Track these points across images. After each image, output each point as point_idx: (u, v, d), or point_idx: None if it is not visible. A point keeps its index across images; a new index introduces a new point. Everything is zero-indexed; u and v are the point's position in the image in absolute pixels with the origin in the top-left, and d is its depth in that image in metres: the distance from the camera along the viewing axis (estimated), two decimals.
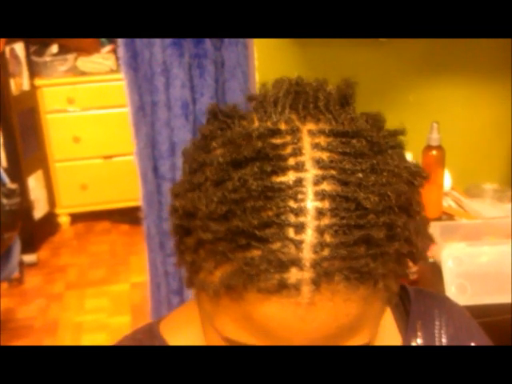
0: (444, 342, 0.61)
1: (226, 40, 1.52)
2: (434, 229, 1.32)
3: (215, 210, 0.42)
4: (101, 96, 3.27)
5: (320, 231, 0.40)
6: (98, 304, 2.76)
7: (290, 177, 0.42)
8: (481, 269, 1.22)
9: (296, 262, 0.40)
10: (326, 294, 0.41)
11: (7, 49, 2.99)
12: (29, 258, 3.06)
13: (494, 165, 1.67)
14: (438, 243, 1.28)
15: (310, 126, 0.45)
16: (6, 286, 2.83)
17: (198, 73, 1.50)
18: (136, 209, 1.76)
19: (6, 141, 3.01)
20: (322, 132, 0.44)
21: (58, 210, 3.48)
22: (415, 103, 1.58)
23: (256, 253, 0.41)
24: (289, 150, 0.43)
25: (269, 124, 0.45)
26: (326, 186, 0.42)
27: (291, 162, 0.42)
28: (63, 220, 3.51)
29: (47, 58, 3.27)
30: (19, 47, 3.08)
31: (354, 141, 0.44)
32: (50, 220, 3.41)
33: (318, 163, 0.42)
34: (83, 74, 3.30)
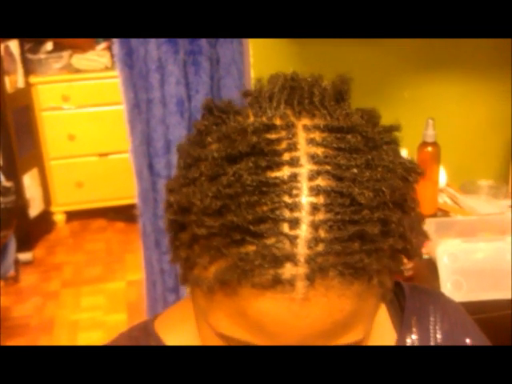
0: (439, 337, 0.61)
1: None
2: (430, 225, 1.32)
3: (210, 205, 0.42)
4: (96, 93, 3.26)
5: (314, 226, 0.40)
6: (93, 302, 2.76)
7: (284, 172, 0.42)
8: (476, 265, 1.22)
9: (290, 258, 0.40)
10: (320, 289, 0.41)
11: (2, 46, 2.98)
12: (24, 256, 3.05)
13: (489, 161, 1.68)
14: (434, 240, 1.28)
15: (305, 121, 0.45)
16: (1, 284, 2.83)
17: (193, 70, 1.50)
18: (132, 206, 1.76)
19: (1, 139, 3.00)
20: (316, 127, 0.44)
21: (53, 208, 3.47)
22: (410, 100, 1.59)
23: (250, 248, 0.41)
24: (284, 145, 0.43)
25: (264, 119, 0.45)
26: (320, 182, 0.42)
27: (286, 157, 0.42)
28: (59, 218, 3.50)
29: (42, 56, 3.26)
30: (14, 45, 3.07)
31: (349, 136, 0.44)
32: (45, 218, 3.40)
33: (313, 158, 0.42)
34: (78, 71, 3.30)
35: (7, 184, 2.84)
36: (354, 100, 0.49)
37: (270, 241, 0.40)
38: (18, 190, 3.06)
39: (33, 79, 3.22)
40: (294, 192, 0.41)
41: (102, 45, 3.34)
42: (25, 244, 3.07)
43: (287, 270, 0.40)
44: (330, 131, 0.44)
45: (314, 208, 0.41)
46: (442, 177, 1.54)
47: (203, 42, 1.49)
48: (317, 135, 0.44)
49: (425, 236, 0.48)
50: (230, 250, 0.41)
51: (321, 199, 0.41)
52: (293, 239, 0.40)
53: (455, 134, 1.61)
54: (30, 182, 3.23)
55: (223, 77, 1.55)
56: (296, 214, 0.41)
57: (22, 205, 3.09)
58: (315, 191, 0.41)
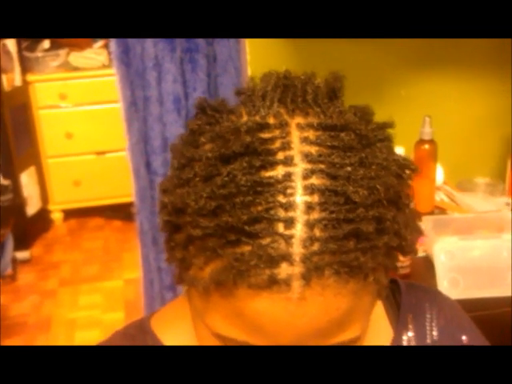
0: (435, 334, 0.61)
1: None
2: (427, 223, 1.32)
3: (204, 206, 0.42)
4: (93, 91, 3.25)
5: (309, 226, 0.40)
6: (91, 300, 2.76)
7: (278, 171, 0.42)
8: (473, 263, 1.22)
9: (286, 257, 0.40)
10: (316, 288, 0.41)
11: None
12: (22, 254, 3.05)
13: (486, 159, 1.68)
14: (431, 237, 1.28)
15: (299, 119, 0.45)
16: None
17: (190, 67, 1.49)
18: (129, 205, 1.75)
19: None
20: (310, 126, 0.44)
21: (50, 207, 3.47)
22: (407, 97, 1.59)
23: (246, 248, 0.41)
24: (277, 144, 0.43)
25: (257, 118, 0.45)
26: (315, 180, 0.42)
27: (280, 156, 0.42)
28: (56, 216, 3.50)
29: (39, 54, 3.25)
30: (11, 43, 3.07)
31: (343, 134, 0.44)
32: (42, 216, 3.40)
33: (307, 157, 0.42)
34: (75, 69, 3.29)
35: (4, 182, 2.84)
36: (350, 98, 0.49)
37: (266, 241, 0.40)
38: (16, 188, 3.06)
39: (30, 77, 3.22)
40: (289, 191, 0.41)
41: (100, 43, 3.33)
42: (22, 242, 3.06)
43: (283, 270, 0.40)
44: (324, 129, 0.44)
45: (309, 207, 0.41)
46: (439, 174, 1.54)
47: (200, 39, 1.49)
48: (310, 134, 0.44)
49: (419, 232, 0.48)
50: (226, 250, 0.41)
51: (315, 198, 0.41)
52: (288, 239, 0.40)
53: (452, 131, 1.61)
54: (27, 180, 3.22)
55: (220, 74, 1.54)
56: (291, 214, 0.41)
57: (19, 203, 3.09)
58: (310, 190, 0.41)
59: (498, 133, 1.65)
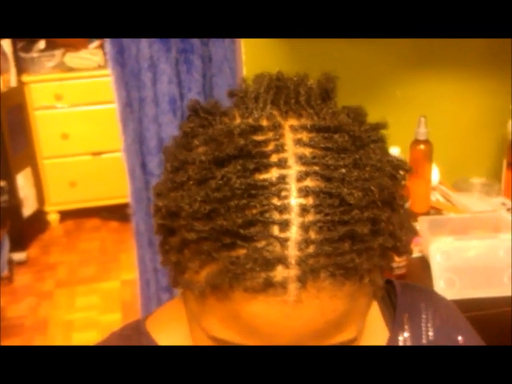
0: (431, 335, 0.61)
1: None
2: (422, 223, 1.32)
3: (199, 210, 0.42)
4: (89, 92, 3.25)
5: (304, 228, 0.40)
6: (88, 302, 2.76)
7: (273, 174, 0.42)
8: (469, 263, 1.22)
9: (281, 260, 0.40)
10: (312, 291, 0.41)
11: None
12: (18, 256, 3.04)
13: (481, 159, 1.68)
14: (426, 238, 1.28)
15: (292, 121, 0.45)
16: None
17: (185, 68, 1.49)
18: (126, 206, 1.75)
19: None
20: (304, 127, 0.44)
21: (47, 208, 3.46)
22: (402, 98, 1.59)
23: (241, 252, 0.40)
24: (271, 146, 0.43)
25: (250, 120, 0.44)
26: (309, 183, 0.41)
27: (274, 158, 0.42)
28: (52, 217, 3.49)
29: (34, 54, 3.24)
30: (6, 43, 3.06)
31: (336, 136, 0.44)
32: (39, 218, 3.39)
33: (301, 159, 0.42)
34: (71, 69, 3.28)
35: (0, 183, 2.83)
36: (346, 99, 0.49)
37: (261, 244, 0.40)
38: (12, 189, 3.05)
39: (25, 78, 3.21)
40: (283, 194, 0.41)
41: (95, 43, 3.33)
42: (18, 244, 3.06)
43: (279, 273, 0.40)
44: (318, 131, 0.44)
45: (304, 209, 0.41)
46: (435, 175, 1.54)
47: (195, 40, 1.49)
48: (304, 135, 0.44)
49: (414, 232, 0.48)
50: (221, 254, 0.41)
51: (310, 200, 0.41)
52: (283, 241, 0.40)
53: (447, 131, 1.61)
54: (23, 181, 3.21)
55: (215, 75, 1.54)
56: (286, 216, 0.41)
57: (15, 204, 3.08)
58: (304, 192, 0.41)
59: (493, 133, 1.65)
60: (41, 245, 3.30)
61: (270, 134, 0.43)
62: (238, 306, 0.42)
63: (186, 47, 1.48)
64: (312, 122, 0.45)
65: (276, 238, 0.40)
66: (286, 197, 0.41)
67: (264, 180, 0.41)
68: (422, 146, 1.43)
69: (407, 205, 0.46)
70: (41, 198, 3.39)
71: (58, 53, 3.28)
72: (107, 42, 1.52)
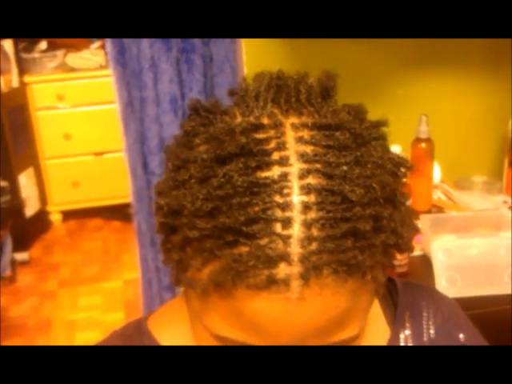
0: (432, 333, 0.61)
1: None
2: (424, 221, 1.32)
3: (201, 208, 0.42)
4: (91, 92, 3.25)
5: (307, 225, 0.41)
6: (91, 301, 2.76)
7: (274, 171, 0.42)
8: (471, 261, 1.22)
9: (284, 257, 0.40)
10: (314, 288, 0.41)
11: None
12: (21, 256, 3.05)
13: (483, 157, 1.68)
14: (428, 236, 1.28)
15: (293, 119, 0.45)
16: None
17: (186, 68, 1.49)
18: (128, 205, 1.75)
19: None
20: (305, 125, 0.44)
21: (49, 208, 3.47)
22: (404, 96, 1.59)
23: (244, 249, 0.41)
24: (273, 144, 0.43)
25: (251, 119, 0.45)
26: (311, 180, 0.42)
27: (275, 156, 0.42)
28: (55, 217, 3.50)
29: (36, 55, 3.25)
30: (8, 44, 3.06)
31: (338, 133, 0.44)
32: (41, 217, 3.40)
33: (303, 157, 0.42)
34: (73, 70, 3.29)
35: (3, 184, 2.84)
36: (347, 97, 0.49)
37: (263, 241, 0.40)
38: (14, 189, 3.06)
39: (27, 78, 3.21)
40: (285, 191, 0.41)
41: (96, 43, 3.33)
42: (21, 244, 3.06)
43: (281, 270, 0.40)
44: (319, 129, 0.44)
45: (306, 207, 0.41)
46: (436, 173, 1.54)
47: (196, 40, 1.49)
48: (305, 133, 0.44)
49: (415, 230, 0.48)
50: (223, 251, 0.41)
51: (312, 198, 0.41)
52: (286, 239, 0.40)
53: (449, 130, 1.61)
54: (25, 181, 3.22)
55: (216, 74, 1.55)
56: (288, 214, 0.41)
57: (17, 204, 3.09)
58: (306, 190, 0.41)
59: (495, 131, 1.65)
60: (43, 245, 3.30)
61: (272, 132, 0.44)
62: (240, 304, 0.42)
63: (186, 47, 1.48)
64: (313, 119, 0.45)
65: (278, 235, 0.40)
66: (288, 194, 0.41)
67: (266, 178, 0.41)
68: (423, 145, 1.43)
69: (409, 203, 0.46)
70: (43, 198, 3.40)
71: (59, 53, 3.28)
72: (108, 42, 1.52)
